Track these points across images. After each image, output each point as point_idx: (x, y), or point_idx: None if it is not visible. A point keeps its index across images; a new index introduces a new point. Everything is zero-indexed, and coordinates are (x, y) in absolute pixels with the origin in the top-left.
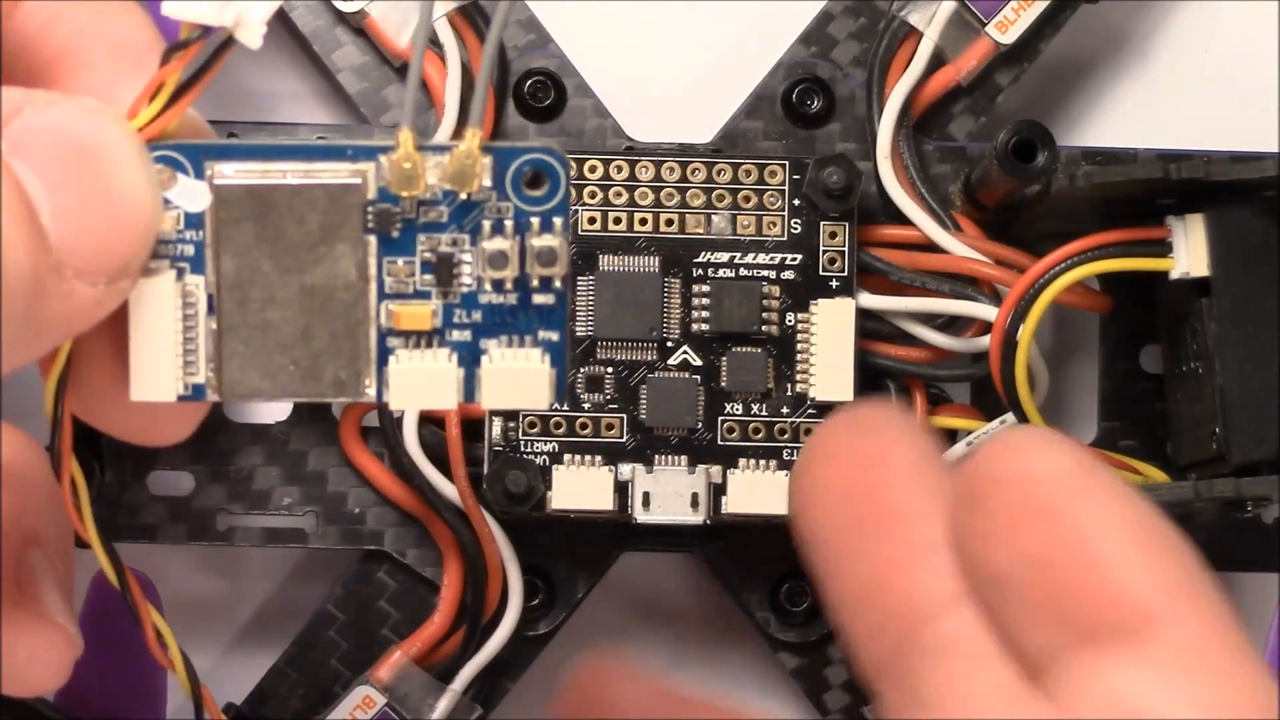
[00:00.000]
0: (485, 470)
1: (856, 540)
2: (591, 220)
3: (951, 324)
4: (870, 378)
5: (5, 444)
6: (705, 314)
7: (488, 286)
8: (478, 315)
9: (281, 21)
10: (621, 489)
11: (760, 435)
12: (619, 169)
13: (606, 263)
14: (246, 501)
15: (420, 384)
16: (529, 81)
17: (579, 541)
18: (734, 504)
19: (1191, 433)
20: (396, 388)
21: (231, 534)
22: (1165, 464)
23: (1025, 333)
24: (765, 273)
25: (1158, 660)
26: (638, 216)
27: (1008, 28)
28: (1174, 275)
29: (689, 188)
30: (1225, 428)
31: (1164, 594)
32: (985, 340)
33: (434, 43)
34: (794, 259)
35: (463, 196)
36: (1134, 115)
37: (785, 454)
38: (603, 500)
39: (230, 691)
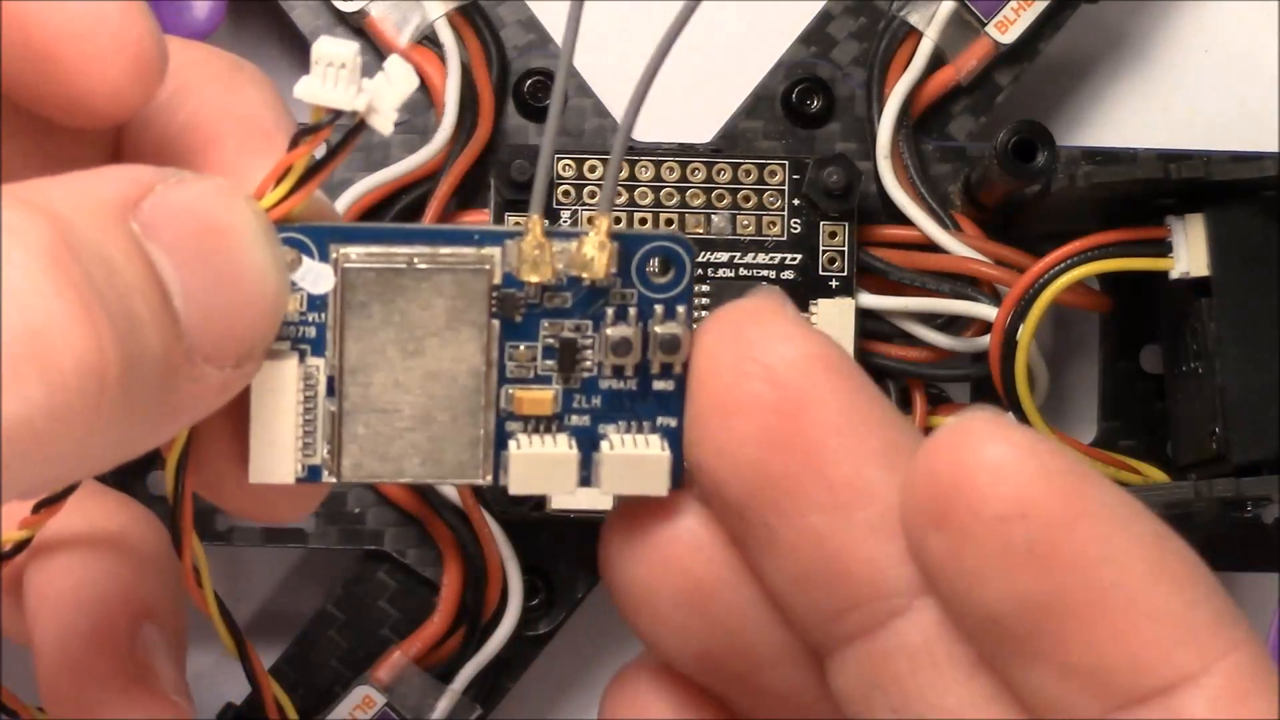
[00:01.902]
0: None
1: (791, 504)
2: (591, 220)
3: (951, 324)
4: (870, 378)
5: (119, 515)
6: (705, 314)
7: (608, 372)
8: (598, 401)
9: (281, 21)
10: None
11: None
12: (619, 169)
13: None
14: None
15: (540, 469)
16: (529, 81)
17: (579, 541)
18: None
19: (1191, 433)
20: (516, 472)
21: (231, 534)
22: (1165, 464)
23: (1025, 333)
24: (765, 273)
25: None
26: (638, 216)
27: (1008, 28)
28: (1174, 275)
29: (689, 188)
30: (1225, 428)
31: (1193, 642)
32: (985, 340)
33: (434, 42)
34: (794, 259)
35: (587, 282)
36: (1134, 115)
37: None
38: (603, 500)
39: (230, 691)
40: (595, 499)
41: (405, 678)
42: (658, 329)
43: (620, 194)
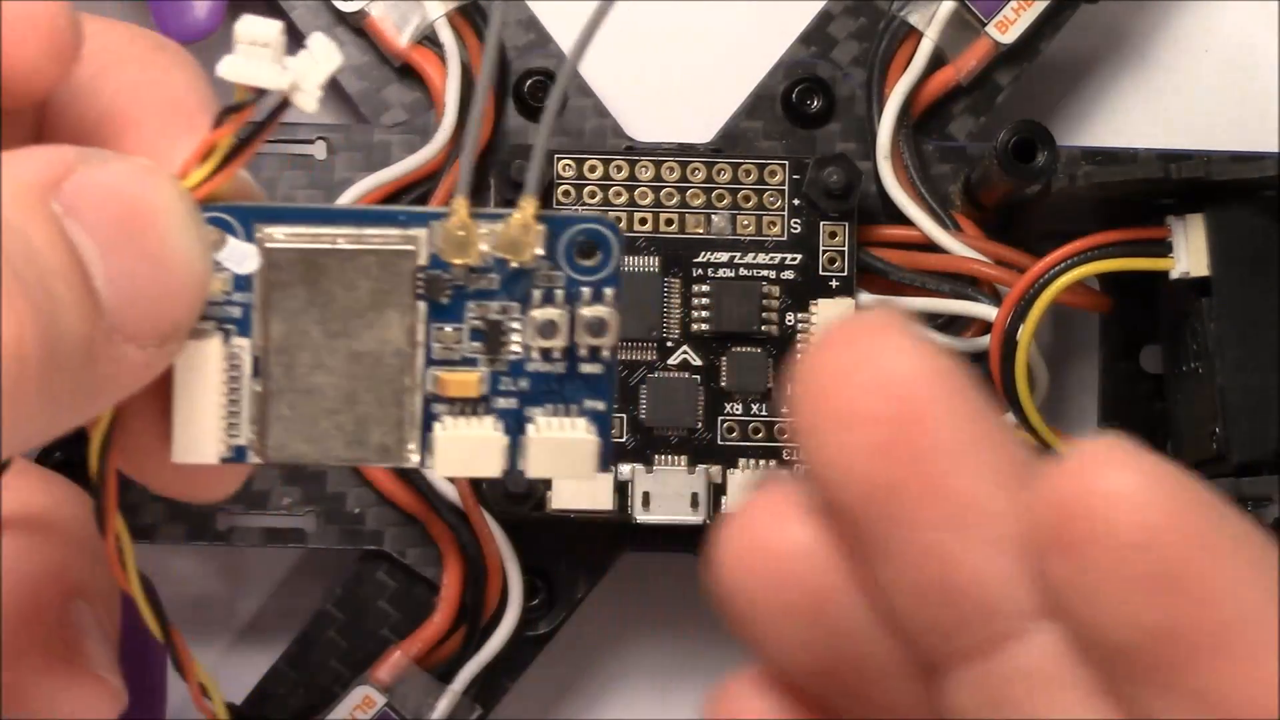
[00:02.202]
0: None
1: (911, 518)
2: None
3: (951, 324)
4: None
5: (47, 494)
6: (705, 314)
7: (535, 355)
8: (525, 383)
9: (281, 21)
10: (621, 489)
11: (760, 435)
12: (619, 169)
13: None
14: (246, 501)
15: (466, 451)
16: (529, 81)
17: (579, 541)
18: (734, 504)
19: (1191, 433)
20: (442, 454)
21: (231, 534)
22: None
23: (1025, 333)
24: (765, 273)
25: None
26: (637, 216)
27: (1008, 27)
28: (1174, 275)
29: (689, 188)
30: (1225, 428)
31: None
32: (985, 340)
33: (434, 42)
34: (794, 259)
35: (514, 264)
36: (1134, 115)
37: (785, 454)
38: (602, 500)
39: (230, 691)
40: (595, 499)
41: (405, 678)
42: (585, 311)
43: (620, 194)
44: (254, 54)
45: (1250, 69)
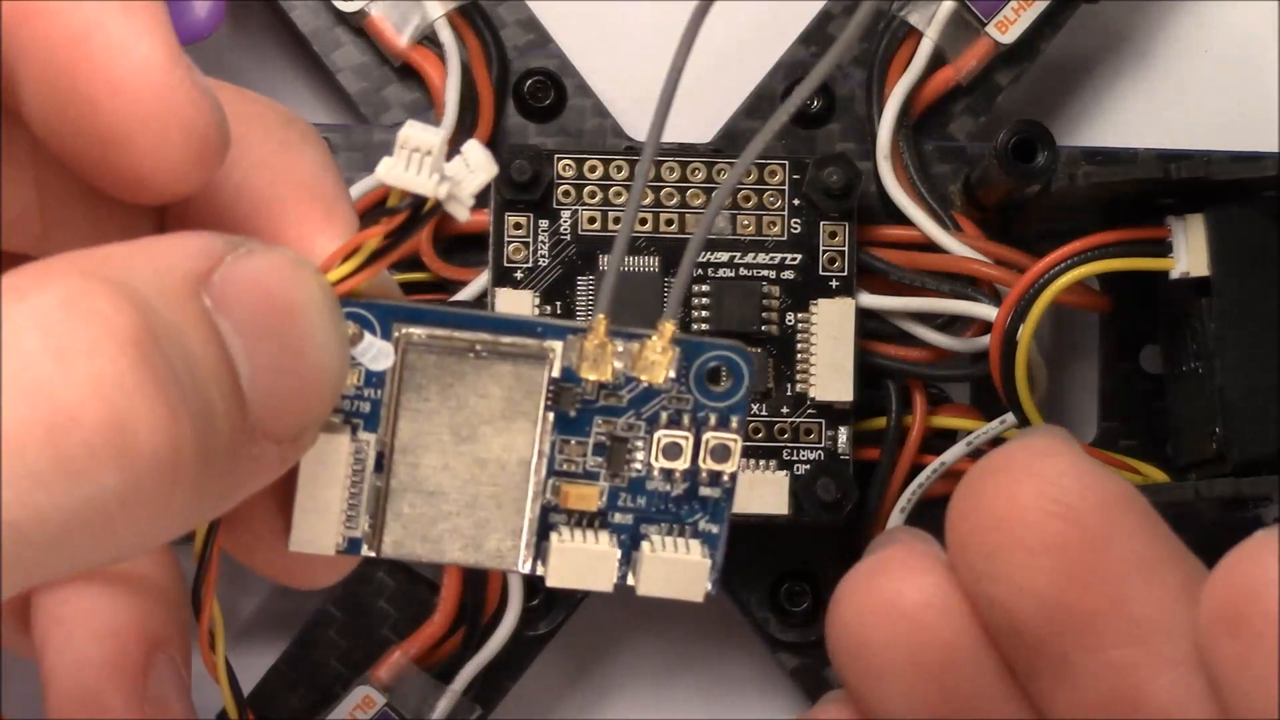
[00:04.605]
0: None
1: (1094, 639)
2: (591, 220)
3: (951, 324)
4: (870, 378)
5: None
6: (705, 314)
7: (656, 474)
8: (643, 501)
9: (281, 21)
10: None
11: (760, 435)
12: (619, 169)
13: (606, 263)
14: None
15: (580, 564)
16: (529, 81)
17: None
18: (734, 504)
19: (1191, 433)
20: (556, 565)
21: None
22: (1165, 464)
23: (1025, 332)
24: (765, 272)
25: None
26: (638, 216)
27: (1008, 28)
28: (1174, 275)
29: (689, 188)
30: (1225, 427)
31: None
32: (985, 340)
33: (434, 42)
34: (794, 259)
35: (645, 382)
36: (1134, 115)
37: (785, 454)
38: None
39: None
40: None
41: (405, 678)
42: (709, 436)
43: (621, 194)
44: (414, 160)
45: (1250, 69)
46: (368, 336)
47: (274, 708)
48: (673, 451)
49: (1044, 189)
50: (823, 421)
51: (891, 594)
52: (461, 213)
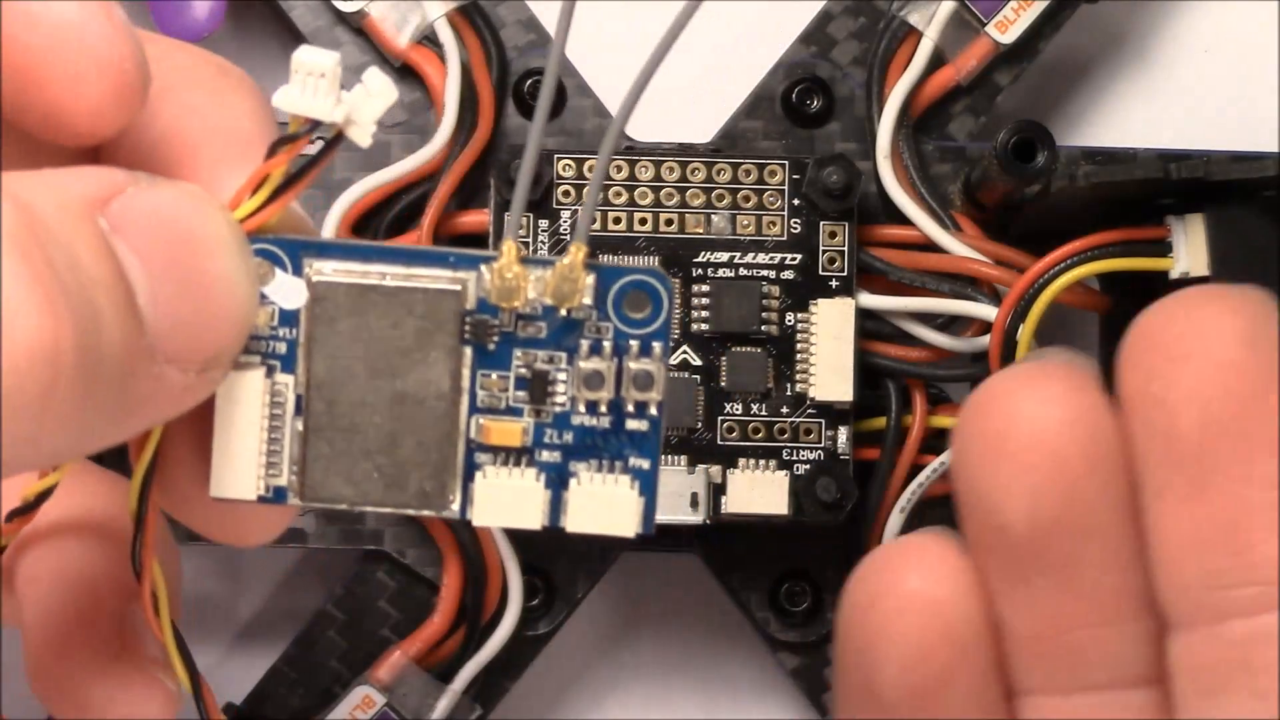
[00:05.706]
0: None
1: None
2: (591, 220)
3: (951, 324)
4: (870, 378)
5: (108, 496)
6: (705, 314)
7: (581, 408)
8: (569, 436)
9: (281, 21)
10: None
11: (760, 435)
12: (619, 169)
13: (606, 262)
14: None
15: (506, 502)
16: (529, 81)
17: (579, 542)
18: (734, 504)
19: None
20: (481, 504)
21: None
22: None
23: (1025, 332)
24: (765, 273)
25: None
26: (637, 216)
27: (1007, 27)
28: (1174, 275)
29: (689, 187)
30: None
31: None
32: (985, 340)
33: (434, 42)
34: (794, 259)
35: (562, 313)
36: (1134, 115)
37: (785, 454)
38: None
39: (230, 691)
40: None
41: (405, 678)
42: (631, 364)
43: (620, 194)
44: (310, 85)
45: (1250, 69)
46: (278, 273)
47: (274, 708)
48: (594, 381)
49: (1044, 189)
50: (823, 421)
51: (903, 582)
52: (363, 138)
